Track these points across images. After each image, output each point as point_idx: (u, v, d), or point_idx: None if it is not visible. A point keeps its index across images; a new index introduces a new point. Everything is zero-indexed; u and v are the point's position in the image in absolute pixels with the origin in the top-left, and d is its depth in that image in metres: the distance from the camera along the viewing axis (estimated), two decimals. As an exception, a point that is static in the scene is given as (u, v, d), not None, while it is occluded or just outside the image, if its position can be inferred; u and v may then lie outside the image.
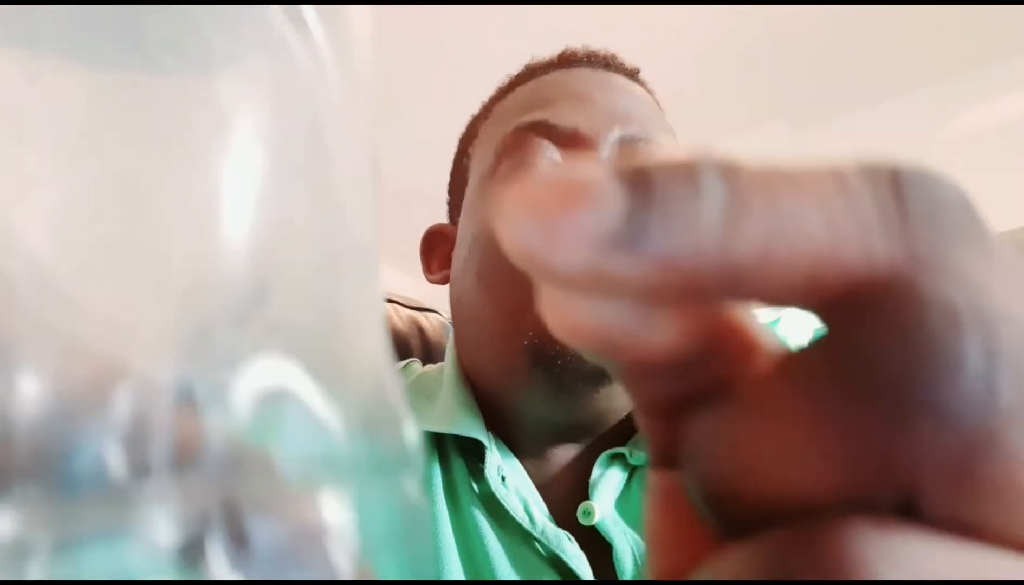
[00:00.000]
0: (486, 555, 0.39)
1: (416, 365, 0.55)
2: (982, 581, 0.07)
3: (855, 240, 0.08)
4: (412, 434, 0.11)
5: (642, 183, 0.08)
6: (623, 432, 0.44)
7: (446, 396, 0.46)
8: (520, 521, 0.39)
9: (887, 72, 1.85)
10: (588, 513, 0.40)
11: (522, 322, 0.39)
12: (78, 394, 0.08)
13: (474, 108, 0.53)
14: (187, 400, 0.08)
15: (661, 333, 0.09)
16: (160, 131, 0.09)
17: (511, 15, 1.54)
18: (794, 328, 0.44)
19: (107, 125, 0.09)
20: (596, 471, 0.42)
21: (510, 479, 0.41)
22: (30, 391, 0.07)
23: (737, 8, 1.59)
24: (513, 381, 0.42)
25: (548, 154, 0.41)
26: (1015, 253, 0.08)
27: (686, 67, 1.75)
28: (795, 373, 0.08)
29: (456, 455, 0.44)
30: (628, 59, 0.49)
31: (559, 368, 0.39)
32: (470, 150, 0.50)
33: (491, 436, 0.43)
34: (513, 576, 0.38)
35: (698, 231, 0.08)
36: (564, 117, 0.42)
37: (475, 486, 0.42)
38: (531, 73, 0.49)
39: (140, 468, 0.08)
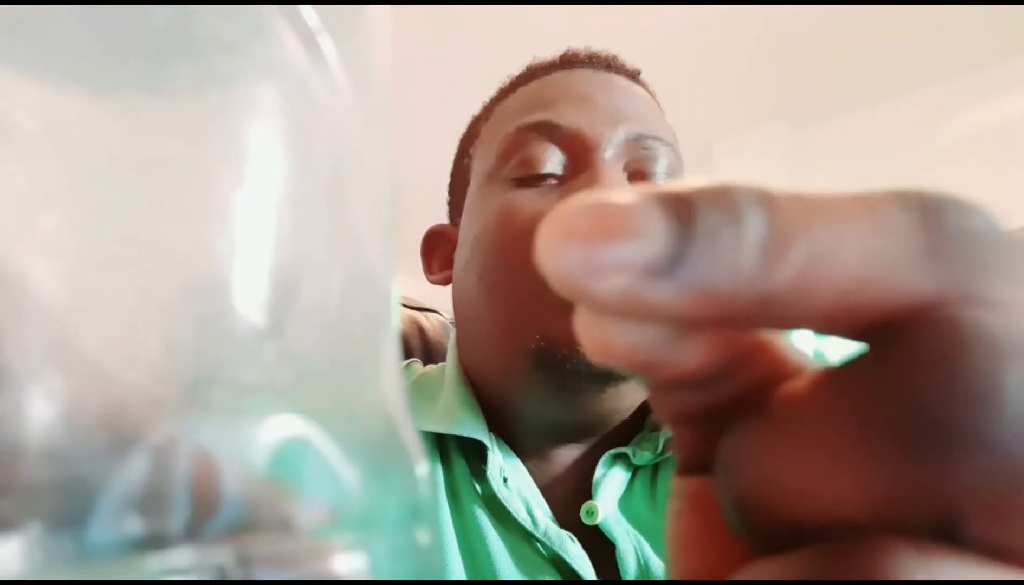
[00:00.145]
0: (488, 556, 0.39)
1: (417, 365, 0.55)
2: None
3: (891, 270, 0.08)
4: (424, 476, 0.11)
5: (684, 214, 0.08)
6: (626, 432, 0.44)
7: (447, 397, 0.46)
8: (522, 522, 0.39)
9: (887, 72, 1.85)
10: (591, 513, 0.40)
11: (525, 323, 0.39)
12: (90, 429, 0.08)
13: (475, 108, 0.53)
14: (201, 449, 0.08)
15: (694, 354, 0.09)
16: (173, 159, 0.09)
17: (511, 15, 1.54)
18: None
19: (120, 152, 0.09)
20: (599, 471, 0.41)
21: (512, 480, 0.41)
22: (41, 417, 0.07)
23: (737, 8, 1.59)
24: (516, 382, 0.42)
25: (553, 156, 0.41)
26: None
27: (686, 67, 1.75)
28: (832, 395, 0.08)
29: (458, 456, 0.44)
30: (629, 59, 0.49)
31: (566, 371, 0.38)
32: (471, 151, 0.50)
33: (493, 437, 0.43)
34: (515, 577, 0.38)
35: (738, 262, 0.08)
36: (566, 118, 0.42)
37: (477, 487, 0.42)
38: (533, 74, 0.48)
39: (157, 525, 0.08)
